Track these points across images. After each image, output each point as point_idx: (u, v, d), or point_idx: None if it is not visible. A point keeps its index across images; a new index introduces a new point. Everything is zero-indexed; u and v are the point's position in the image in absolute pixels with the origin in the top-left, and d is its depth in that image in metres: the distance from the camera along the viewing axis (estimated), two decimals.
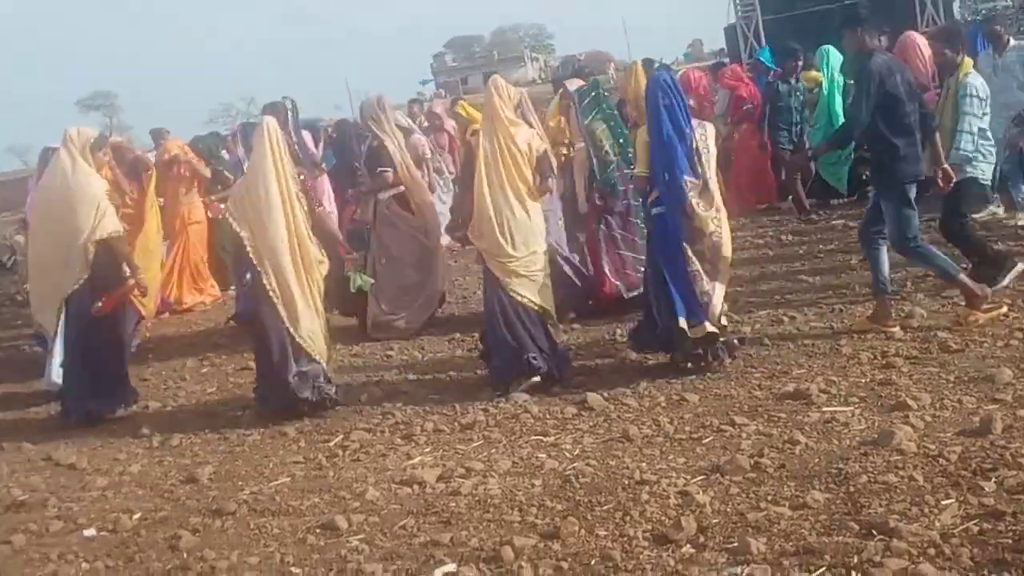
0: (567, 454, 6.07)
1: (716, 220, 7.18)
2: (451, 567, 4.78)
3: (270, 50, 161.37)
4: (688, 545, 4.64)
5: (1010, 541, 4.24)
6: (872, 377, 6.64)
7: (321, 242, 7.76)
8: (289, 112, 11.47)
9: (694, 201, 7.10)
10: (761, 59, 14.48)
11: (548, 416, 6.80)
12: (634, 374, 7.42)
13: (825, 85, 13.17)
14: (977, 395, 6.04)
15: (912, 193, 7.41)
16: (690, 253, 7.11)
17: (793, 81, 12.96)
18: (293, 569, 5.04)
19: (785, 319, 8.31)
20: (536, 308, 7.44)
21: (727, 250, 7.28)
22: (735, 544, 4.56)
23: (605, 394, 6.99)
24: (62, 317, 8.08)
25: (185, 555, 5.38)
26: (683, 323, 7.08)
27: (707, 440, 5.97)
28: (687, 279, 7.11)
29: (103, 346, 8.17)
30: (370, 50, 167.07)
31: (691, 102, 11.04)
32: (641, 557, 4.61)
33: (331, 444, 6.85)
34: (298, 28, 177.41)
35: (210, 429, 7.62)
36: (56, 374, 8.51)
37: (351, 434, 6.95)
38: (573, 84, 9.90)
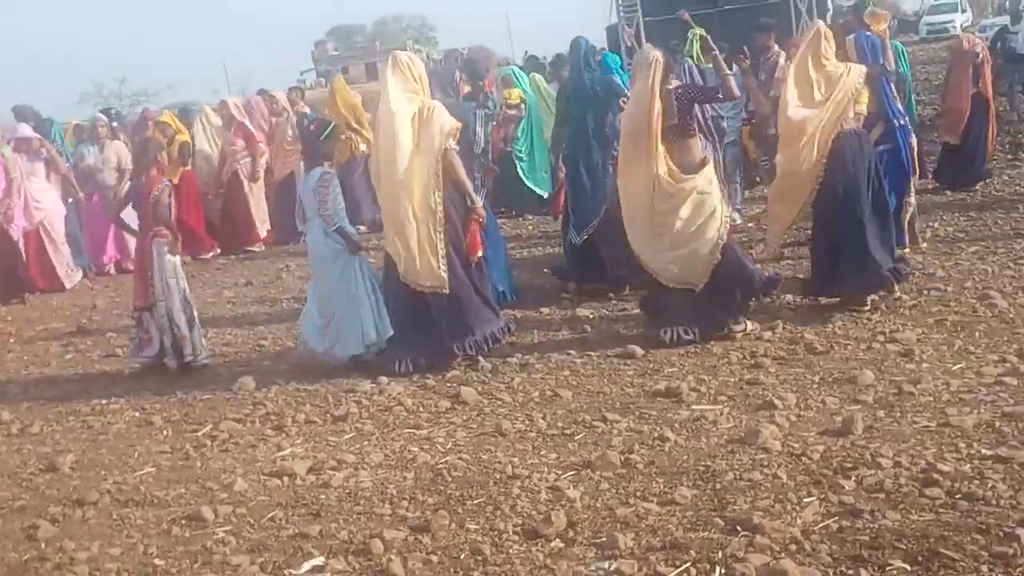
0: (440, 448, 6.06)
1: None
2: (319, 560, 4.73)
3: (145, 31, 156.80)
4: (557, 540, 4.67)
5: (867, 538, 4.37)
6: (741, 376, 6.78)
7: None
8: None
9: None
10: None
11: (422, 409, 6.78)
12: (510, 369, 7.44)
13: (530, 101, 14.35)
14: (840, 396, 6.21)
15: None
16: None
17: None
18: (156, 561, 4.92)
19: None
20: None
21: None
22: (603, 539, 4.61)
23: (479, 388, 7.00)
24: None
25: (43, 545, 5.21)
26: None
27: (579, 436, 6.02)
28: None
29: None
30: (250, 35, 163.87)
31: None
32: (511, 551, 4.62)
33: (199, 434, 6.72)
34: (175, 8, 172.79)
35: (73, 417, 7.41)
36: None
37: (220, 424, 6.82)
38: None
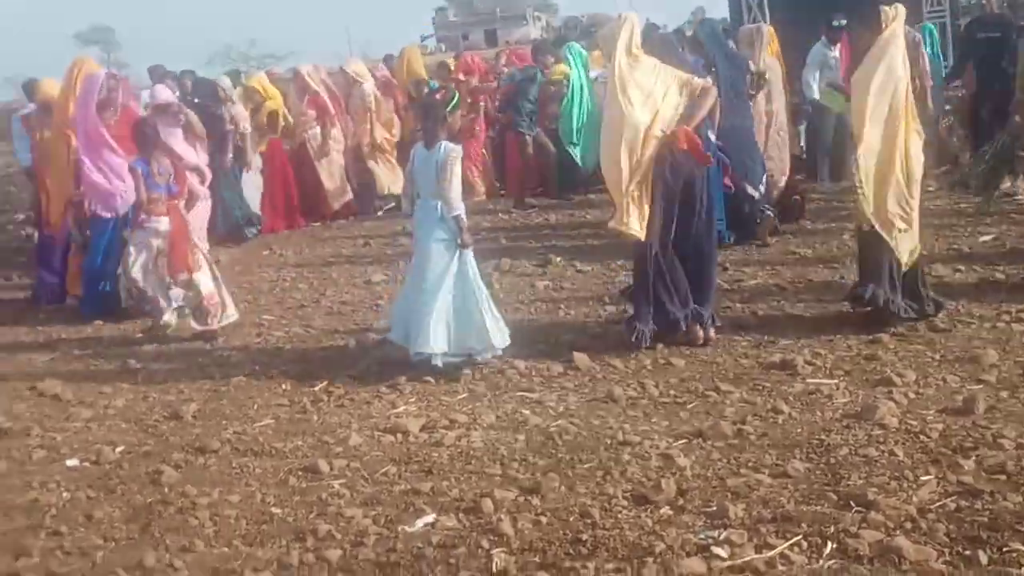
0: (551, 411, 6.09)
1: None
2: (430, 517, 4.80)
3: None
4: (667, 507, 4.68)
5: (986, 519, 4.28)
6: (858, 351, 6.66)
7: None
8: None
9: None
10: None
11: (534, 373, 6.81)
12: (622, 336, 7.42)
13: (573, 79, 13.92)
14: (962, 374, 6.07)
15: None
16: None
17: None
18: (273, 509, 5.06)
19: (775, 289, 8.33)
20: None
21: None
22: (713, 508, 4.60)
23: (591, 354, 7.00)
24: None
25: (167, 490, 5.40)
26: None
27: (691, 405, 6.00)
28: None
29: None
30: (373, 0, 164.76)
31: (475, 82, 13.79)
32: (619, 516, 4.64)
33: (316, 389, 6.85)
34: None
35: (196, 367, 7.63)
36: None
37: (336, 379, 6.96)
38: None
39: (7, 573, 4.65)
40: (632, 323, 7.10)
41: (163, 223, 8.31)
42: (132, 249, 8.33)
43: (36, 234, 11.08)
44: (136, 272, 8.31)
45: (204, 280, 8.39)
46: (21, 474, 5.84)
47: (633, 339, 7.00)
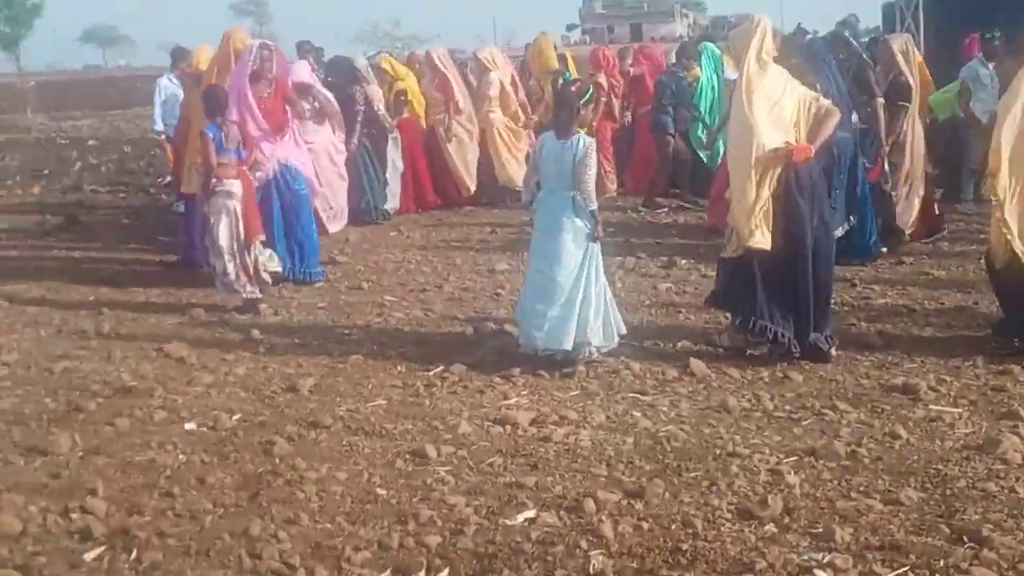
0: (662, 416, 6.04)
1: None
2: (531, 512, 4.81)
3: None
4: (771, 524, 4.60)
5: None
6: (986, 381, 6.44)
7: None
8: None
9: None
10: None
11: (648, 376, 6.76)
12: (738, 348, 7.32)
13: (703, 79, 13.76)
14: None
15: None
16: None
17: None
18: (379, 490, 5.13)
19: (903, 310, 8.11)
20: None
21: None
22: (820, 530, 4.51)
23: (707, 361, 6.91)
24: None
25: (278, 461, 5.53)
26: None
27: (806, 422, 5.88)
28: None
29: None
30: None
31: (600, 79, 13.65)
32: (722, 529, 4.58)
33: (430, 373, 6.92)
34: None
35: (316, 343, 7.78)
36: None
37: (451, 366, 7.00)
38: None
39: (120, 528, 4.81)
40: (771, 331, 6.90)
41: (235, 185, 8.57)
42: (212, 217, 8.55)
43: (179, 203, 11.48)
44: (224, 239, 8.52)
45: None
46: (142, 433, 6.04)
47: (779, 351, 6.88)
